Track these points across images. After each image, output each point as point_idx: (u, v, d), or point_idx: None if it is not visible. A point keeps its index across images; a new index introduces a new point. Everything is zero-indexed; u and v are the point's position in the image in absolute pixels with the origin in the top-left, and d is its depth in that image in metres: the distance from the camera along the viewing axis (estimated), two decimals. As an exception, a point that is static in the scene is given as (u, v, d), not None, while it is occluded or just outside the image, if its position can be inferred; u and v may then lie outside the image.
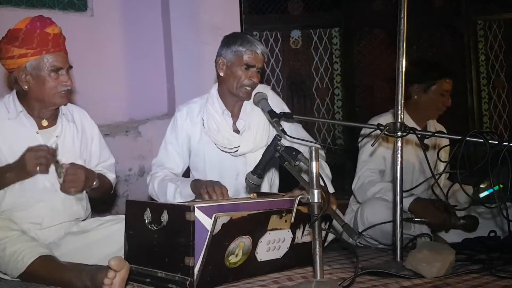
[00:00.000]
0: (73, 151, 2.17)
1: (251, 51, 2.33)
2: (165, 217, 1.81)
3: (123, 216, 1.97)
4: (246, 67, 2.33)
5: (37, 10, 3.20)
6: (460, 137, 1.96)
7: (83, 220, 2.23)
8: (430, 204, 2.38)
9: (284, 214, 1.95)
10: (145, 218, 1.86)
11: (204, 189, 2.15)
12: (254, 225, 1.88)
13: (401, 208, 2.01)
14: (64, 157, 2.09)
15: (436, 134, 2.03)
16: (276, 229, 1.95)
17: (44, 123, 2.15)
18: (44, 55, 2.04)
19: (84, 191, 2.20)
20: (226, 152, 2.41)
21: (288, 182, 2.50)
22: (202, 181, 2.24)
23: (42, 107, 2.13)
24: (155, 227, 1.84)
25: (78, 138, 2.22)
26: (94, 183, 2.13)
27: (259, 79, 2.39)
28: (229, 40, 2.39)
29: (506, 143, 1.95)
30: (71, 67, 2.13)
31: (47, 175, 2.07)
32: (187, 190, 2.26)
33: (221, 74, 2.40)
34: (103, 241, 2.04)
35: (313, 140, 2.49)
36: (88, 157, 2.25)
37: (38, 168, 1.96)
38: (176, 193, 2.30)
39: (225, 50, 2.38)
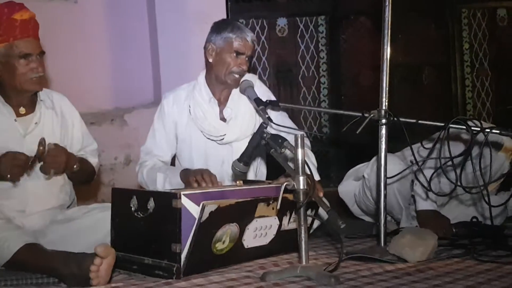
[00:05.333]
0: (53, 138, 2.15)
1: (241, 38, 2.33)
2: (151, 204, 1.82)
3: (109, 204, 1.97)
4: (236, 54, 2.33)
5: (20, -3, 3.15)
6: (443, 124, 1.99)
7: (68, 207, 2.22)
8: (436, 218, 2.42)
9: (271, 202, 1.97)
10: (131, 205, 1.87)
11: (193, 177, 2.16)
12: (242, 212, 1.90)
13: (385, 194, 2.04)
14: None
15: (419, 121, 2.06)
16: (263, 216, 1.97)
17: (22, 110, 2.13)
18: (12, 42, 2.02)
19: (66, 176, 2.20)
20: (212, 140, 2.42)
21: (275, 171, 2.52)
22: (191, 170, 2.25)
23: (17, 95, 2.11)
24: (141, 215, 1.84)
25: (58, 124, 2.20)
26: (75, 166, 2.13)
27: (248, 66, 2.40)
28: (219, 27, 2.39)
29: (488, 130, 1.99)
30: (43, 52, 2.10)
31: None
32: (176, 179, 2.27)
33: (210, 60, 2.39)
34: (89, 229, 2.04)
35: (298, 129, 2.51)
36: (70, 142, 2.24)
37: (9, 176, 1.96)
38: (165, 183, 2.30)
39: (214, 36, 2.37)
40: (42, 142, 1.98)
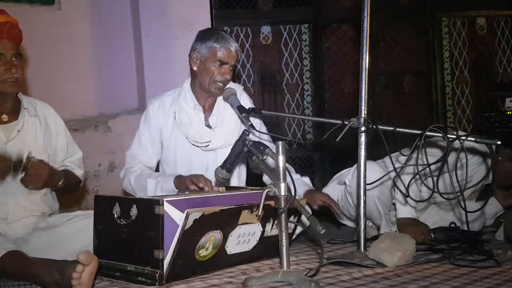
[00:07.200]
0: (36, 146, 2.15)
1: (225, 48, 2.36)
2: (134, 211, 1.83)
3: (92, 212, 1.98)
4: (219, 63, 2.36)
5: (3, 4, 3.14)
6: (419, 132, 2.04)
7: (50, 215, 2.22)
8: (414, 225, 2.48)
9: (255, 209, 1.98)
10: (114, 213, 1.88)
11: (189, 180, 2.17)
12: (226, 220, 1.91)
13: (365, 201, 2.08)
14: (27, 152, 2.07)
15: (397, 129, 2.10)
16: (246, 223, 1.99)
17: (5, 118, 2.14)
18: None
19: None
20: (196, 146, 2.44)
21: (255, 176, 2.56)
22: (186, 175, 2.26)
23: None
24: (124, 222, 1.85)
25: (41, 132, 2.20)
26: (60, 183, 2.14)
27: (232, 76, 2.43)
28: (204, 36, 2.42)
29: (464, 138, 2.04)
30: (20, 55, 2.11)
31: None
32: (169, 185, 2.27)
33: (195, 68, 2.42)
34: (72, 236, 2.04)
35: (279, 136, 2.54)
36: (53, 152, 2.24)
37: None
38: (157, 189, 2.31)
39: (199, 45, 2.40)
40: (29, 155, 2.00)
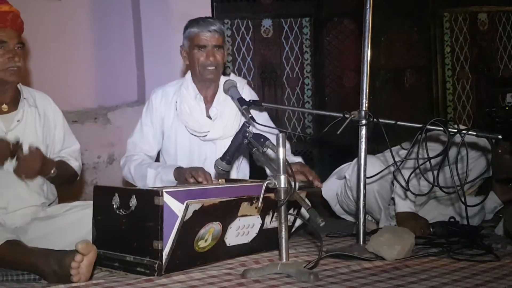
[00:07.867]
0: (35, 136, 2.15)
1: (201, 31, 2.36)
2: (133, 202, 1.83)
3: (91, 202, 1.97)
4: (199, 48, 2.36)
5: (4, -6, 3.13)
6: (420, 125, 2.04)
7: (49, 205, 2.22)
8: (414, 219, 2.47)
9: (254, 201, 1.99)
10: (113, 203, 1.87)
11: (189, 174, 2.18)
12: (225, 211, 1.92)
13: (364, 194, 2.08)
14: (27, 142, 2.05)
15: (398, 123, 2.10)
16: (246, 215, 1.99)
17: (5, 108, 2.13)
18: None
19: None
20: (195, 136, 2.44)
21: (258, 169, 2.55)
22: (186, 167, 2.27)
23: None
24: (123, 212, 1.85)
25: (40, 123, 2.20)
26: (52, 171, 2.12)
27: (218, 57, 2.38)
28: (186, 26, 2.44)
29: (465, 132, 2.04)
30: (22, 44, 2.10)
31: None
32: (169, 176, 2.28)
33: (186, 62, 2.45)
34: (71, 226, 2.04)
35: (280, 129, 2.54)
36: (51, 142, 2.23)
37: None
38: (156, 179, 2.31)
39: (183, 38, 2.43)
40: (20, 145, 1.98)
